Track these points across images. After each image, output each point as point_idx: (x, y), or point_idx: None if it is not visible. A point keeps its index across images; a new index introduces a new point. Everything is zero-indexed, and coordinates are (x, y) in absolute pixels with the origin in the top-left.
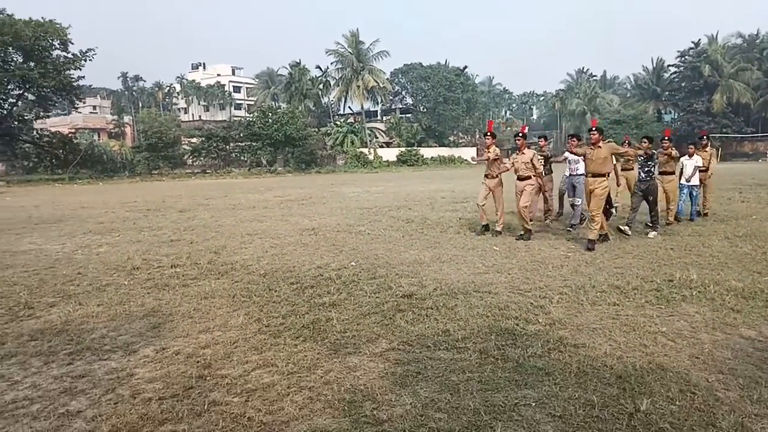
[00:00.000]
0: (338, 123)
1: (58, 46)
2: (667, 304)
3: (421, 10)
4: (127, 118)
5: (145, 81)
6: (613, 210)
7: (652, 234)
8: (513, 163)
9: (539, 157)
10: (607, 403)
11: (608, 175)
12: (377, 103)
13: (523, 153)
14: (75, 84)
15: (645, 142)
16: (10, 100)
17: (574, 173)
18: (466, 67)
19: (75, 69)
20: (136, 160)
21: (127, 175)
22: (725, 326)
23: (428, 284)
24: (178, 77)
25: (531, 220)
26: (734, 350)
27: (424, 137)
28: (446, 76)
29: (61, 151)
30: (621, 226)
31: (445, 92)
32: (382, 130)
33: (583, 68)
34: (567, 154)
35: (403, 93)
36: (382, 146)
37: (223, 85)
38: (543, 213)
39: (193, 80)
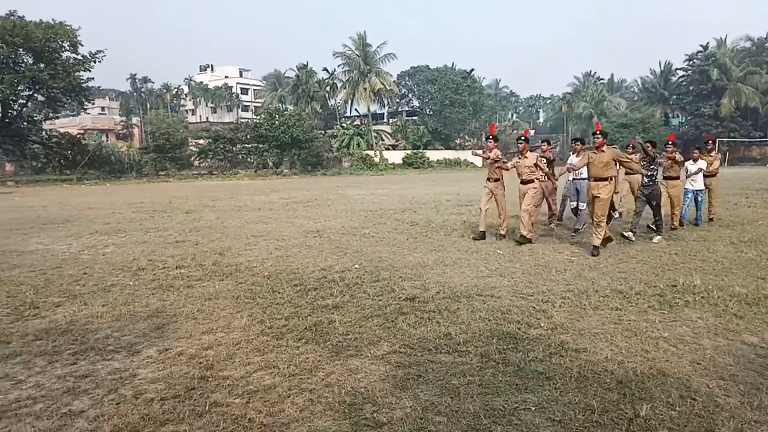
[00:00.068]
0: (345, 125)
1: (68, 47)
2: (669, 309)
3: (429, 14)
4: (135, 120)
5: (153, 83)
6: (615, 214)
7: (656, 239)
8: (515, 166)
9: (542, 159)
10: (607, 408)
11: (611, 179)
12: (384, 106)
13: (525, 157)
14: (84, 85)
15: (648, 147)
16: (20, 101)
17: (578, 177)
18: (473, 69)
19: (84, 70)
20: (143, 161)
21: (134, 176)
22: (728, 332)
23: (431, 287)
24: (186, 79)
25: (533, 226)
26: (736, 356)
27: (431, 140)
28: (453, 78)
29: (69, 151)
30: (624, 233)
31: (451, 95)
32: (388, 133)
33: (590, 71)
34: (570, 159)
35: (410, 95)
36: (388, 149)
37: (231, 87)
38: (547, 217)
39: (201, 82)
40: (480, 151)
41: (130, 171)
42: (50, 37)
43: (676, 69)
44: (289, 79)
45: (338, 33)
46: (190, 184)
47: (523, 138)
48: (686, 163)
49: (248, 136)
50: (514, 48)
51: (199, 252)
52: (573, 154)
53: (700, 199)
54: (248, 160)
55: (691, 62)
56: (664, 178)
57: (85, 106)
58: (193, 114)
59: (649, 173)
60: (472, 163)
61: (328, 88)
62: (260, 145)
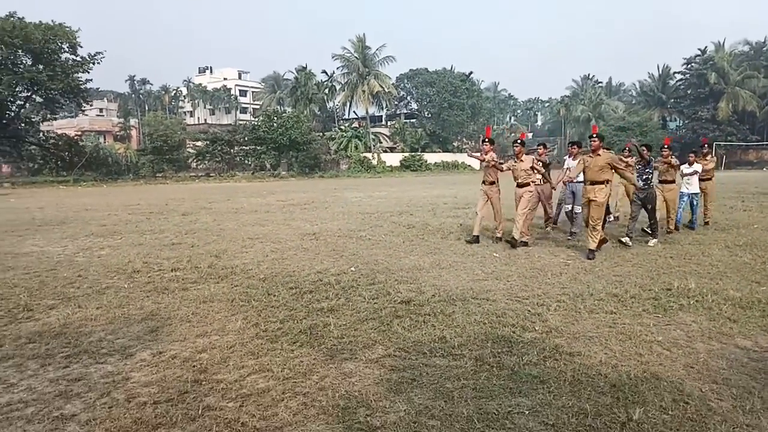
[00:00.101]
0: (343, 128)
1: (67, 49)
2: (664, 313)
3: (428, 17)
4: (133, 121)
5: (152, 84)
6: (610, 218)
7: (652, 242)
8: (511, 169)
9: (539, 162)
10: (600, 412)
11: (607, 183)
12: (382, 108)
13: (521, 160)
14: (82, 87)
15: (644, 150)
16: (18, 102)
17: (574, 180)
18: (471, 72)
19: (83, 72)
20: (140, 162)
21: (131, 177)
22: (721, 336)
23: (427, 290)
24: (185, 81)
25: (529, 231)
26: (729, 360)
27: (429, 143)
28: (451, 81)
29: (66, 153)
30: (621, 239)
31: (450, 98)
32: (386, 135)
33: (588, 74)
34: (567, 163)
35: (408, 98)
36: (386, 151)
37: (230, 89)
38: (543, 221)
39: (200, 84)
40: (477, 153)
41: (127, 173)
42: (49, 38)
43: (674, 73)
44: (288, 82)
45: (337, 35)
46: (188, 186)
47: (519, 141)
48: (682, 167)
49: (246, 138)
50: (512, 51)
51: (195, 254)
52: (569, 157)
53: (695, 202)
54: (246, 162)
55: (689, 66)
56: (660, 181)
57: (83, 108)
58: (191, 116)
59: (644, 176)
60: (469, 165)
61: (326, 91)
62: (258, 147)
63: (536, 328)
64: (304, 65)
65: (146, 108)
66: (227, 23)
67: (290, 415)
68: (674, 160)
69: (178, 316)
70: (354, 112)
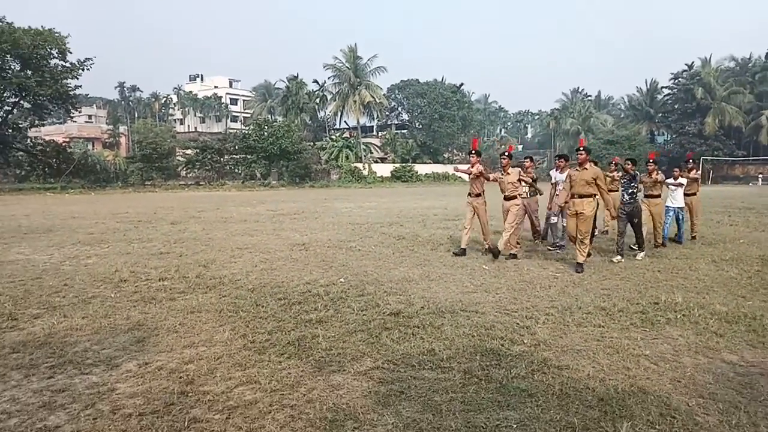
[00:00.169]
0: (334, 137)
1: (56, 55)
2: (651, 326)
3: (419, 28)
4: (122, 128)
5: (142, 91)
6: (595, 231)
7: (639, 255)
8: (498, 181)
9: (525, 175)
10: (588, 426)
11: (594, 196)
12: (373, 119)
13: (508, 173)
14: (71, 93)
15: (629, 164)
16: (6, 107)
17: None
18: (462, 84)
19: (72, 78)
20: (129, 170)
21: (119, 185)
22: (708, 350)
23: (416, 302)
24: (176, 88)
25: (518, 244)
26: (715, 374)
27: (419, 153)
28: (442, 93)
29: (54, 160)
30: (613, 258)
31: (440, 109)
32: (377, 146)
33: (578, 88)
34: (554, 176)
35: (399, 109)
36: (376, 161)
37: (220, 97)
38: (531, 234)
39: (191, 92)
40: (464, 167)
41: (115, 180)
42: (39, 44)
43: (662, 87)
44: (279, 91)
45: (329, 45)
46: (177, 195)
47: (506, 154)
48: (667, 181)
49: (236, 147)
50: (503, 64)
51: (183, 264)
52: (557, 170)
53: (681, 217)
54: (236, 171)
55: (676, 81)
56: (645, 196)
57: (71, 114)
58: (181, 124)
59: (629, 191)
60: (459, 177)
61: (317, 100)
62: (248, 156)
63: (525, 341)
64: (296, 74)
65: (136, 115)
66: (218, 31)
67: (277, 428)
68: (660, 176)
69: (165, 327)
70: (345, 122)
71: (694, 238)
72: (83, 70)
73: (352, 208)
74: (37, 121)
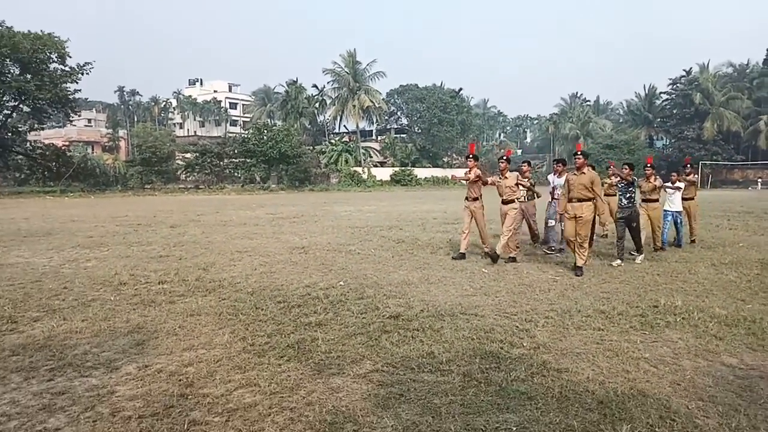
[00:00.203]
0: (333, 141)
1: (55, 59)
2: (651, 330)
3: (419, 33)
4: (121, 132)
5: (141, 95)
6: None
7: (638, 259)
8: (496, 185)
9: (523, 179)
10: (588, 429)
11: (593, 200)
12: (372, 123)
13: (505, 177)
14: (71, 97)
15: (626, 169)
16: (5, 111)
17: (559, 198)
18: (461, 89)
19: (71, 82)
20: (129, 174)
21: (119, 189)
22: (707, 353)
23: (415, 305)
24: (175, 92)
25: (518, 247)
26: (715, 377)
27: (419, 157)
28: (441, 97)
29: (53, 163)
30: (613, 263)
31: (440, 113)
32: (376, 150)
33: (576, 93)
34: (552, 181)
35: (399, 113)
36: (376, 165)
37: (220, 102)
38: (530, 237)
39: (190, 96)
40: (462, 174)
41: (115, 184)
42: (38, 48)
43: (660, 92)
44: (278, 95)
45: (328, 50)
46: (176, 198)
47: (504, 158)
48: (665, 185)
49: (236, 151)
50: (502, 68)
51: (183, 267)
52: (555, 174)
53: (679, 221)
54: (235, 174)
55: (674, 86)
56: (643, 200)
57: (71, 118)
58: (180, 128)
59: (627, 195)
60: (459, 181)
61: (317, 105)
62: (248, 160)
63: (524, 344)
64: (295, 79)
65: (135, 119)
66: (218, 36)
67: (277, 431)
68: (658, 182)
69: (165, 330)
70: (344, 126)
71: (693, 241)
72: (83, 74)
73: (352, 212)
74: (36, 125)
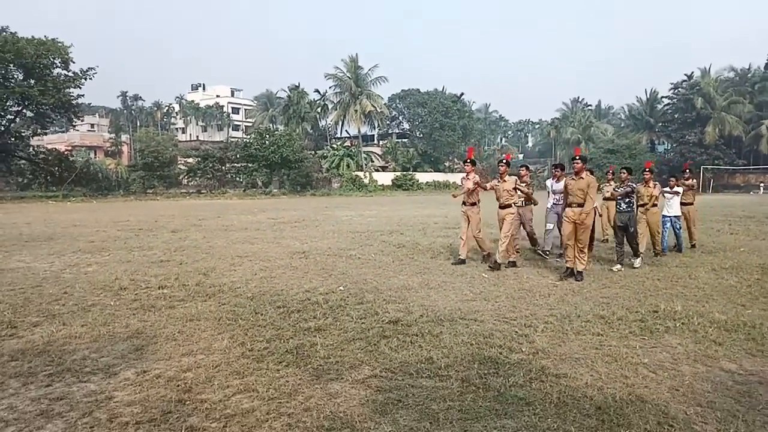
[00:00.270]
0: (335, 146)
1: (59, 64)
2: (650, 335)
3: (420, 38)
4: (124, 137)
5: (144, 100)
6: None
7: (637, 263)
8: (494, 188)
9: (521, 183)
10: None
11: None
12: (374, 128)
13: (504, 180)
14: (74, 102)
15: (624, 173)
16: (8, 116)
17: (558, 203)
18: (462, 94)
19: (75, 87)
20: (131, 178)
21: (121, 193)
22: (706, 359)
23: (415, 310)
24: (178, 97)
25: (518, 251)
26: (714, 383)
27: (420, 162)
28: (443, 102)
29: (56, 168)
30: (613, 268)
31: (441, 118)
32: (378, 154)
33: (578, 97)
34: (549, 182)
35: (400, 118)
36: (377, 170)
37: (222, 107)
38: (530, 243)
39: (192, 101)
40: (463, 190)
41: (117, 188)
42: (42, 53)
43: (662, 97)
44: (280, 100)
45: (330, 55)
46: (178, 203)
47: (504, 162)
48: (664, 190)
49: (238, 156)
50: (504, 73)
51: (183, 272)
52: (553, 179)
53: (678, 226)
54: (237, 179)
55: (676, 91)
56: (641, 205)
57: (74, 123)
58: (183, 132)
59: (626, 199)
60: (461, 185)
61: (319, 109)
62: (250, 165)
63: (523, 350)
64: (297, 84)
65: (138, 124)
66: (221, 41)
67: None
68: (656, 191)
69: (164, 335)
70: (346, 131)
71: (693, 246)
72: (86, 79)
73: (353, 217)
74: (39, 130)
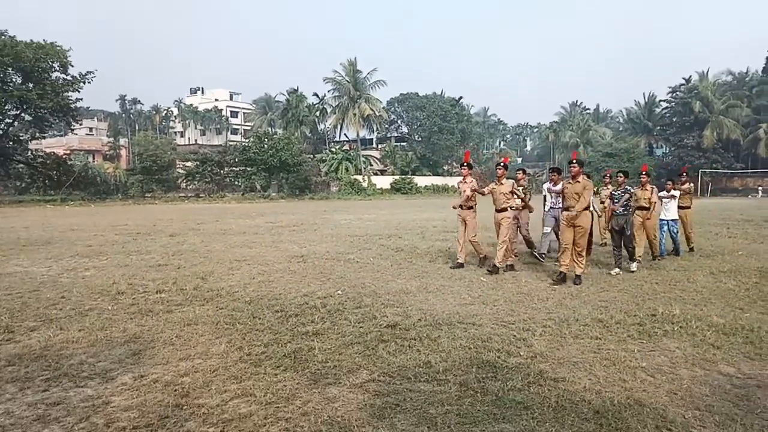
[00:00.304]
0: (333, 150)
1: (57, 68)
2: (648, 338)
3: (419, 41)
4: (122, 141)
5: (143, 104)
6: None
7: (633, 266)
8: (491, 192)
9: (518, 187)
10: None
11: (589, 208)
12: (373, 131)
13: (501, 183)
14: (72, 106)
15: (620, 177)
16: (7, 120)
17: (555, 206)
18: (461, 97)
19: (73, 91)
20: (129, 182)
21: (119, 197)
22: (705, 362)
23: (413, 314)
24: (176, 101)
25: (516, 255)
26: (712, 387)
27: (419, 166)
28: (441, 106)
29: (54, 172)
30: (611, 271)
31: (440, 122)
32: (376, 158)
33: (576, 101)
34: (546, 186)
35: (399, 122)
36: (376, 174)
37: (221, 110)
38: (526, 246)
39: (191, 104)
40: (463, 198)
41: (115, 192)
42: (40, 57)
43: (660, 101)
44: (279, 103)
45: (329, 59)
46: (176, 207)
47: (502, 164)
48: (660, 194)
49: (236, 159)
50: (502, 77)
51: (181, 276)
52: (550, 183)
53: (675, 230)
54: (236, 183)
55: (674, 94)
56: (638, 208)
57: (72, 127)
58: (181, 136)
59: (624, 203)
60: (458, 188)
61: (317, 113)
62: (248, 169)
63: (521, 354)
64: (296, 87)
65: (136, 128)
66: (220, 45)
67: None
68: (654, 197)
69: (162, 339)
70: (345, 134)
71: (692, 249)
72: (84, 83)
73: (351, 220)
74: (37, 134)
